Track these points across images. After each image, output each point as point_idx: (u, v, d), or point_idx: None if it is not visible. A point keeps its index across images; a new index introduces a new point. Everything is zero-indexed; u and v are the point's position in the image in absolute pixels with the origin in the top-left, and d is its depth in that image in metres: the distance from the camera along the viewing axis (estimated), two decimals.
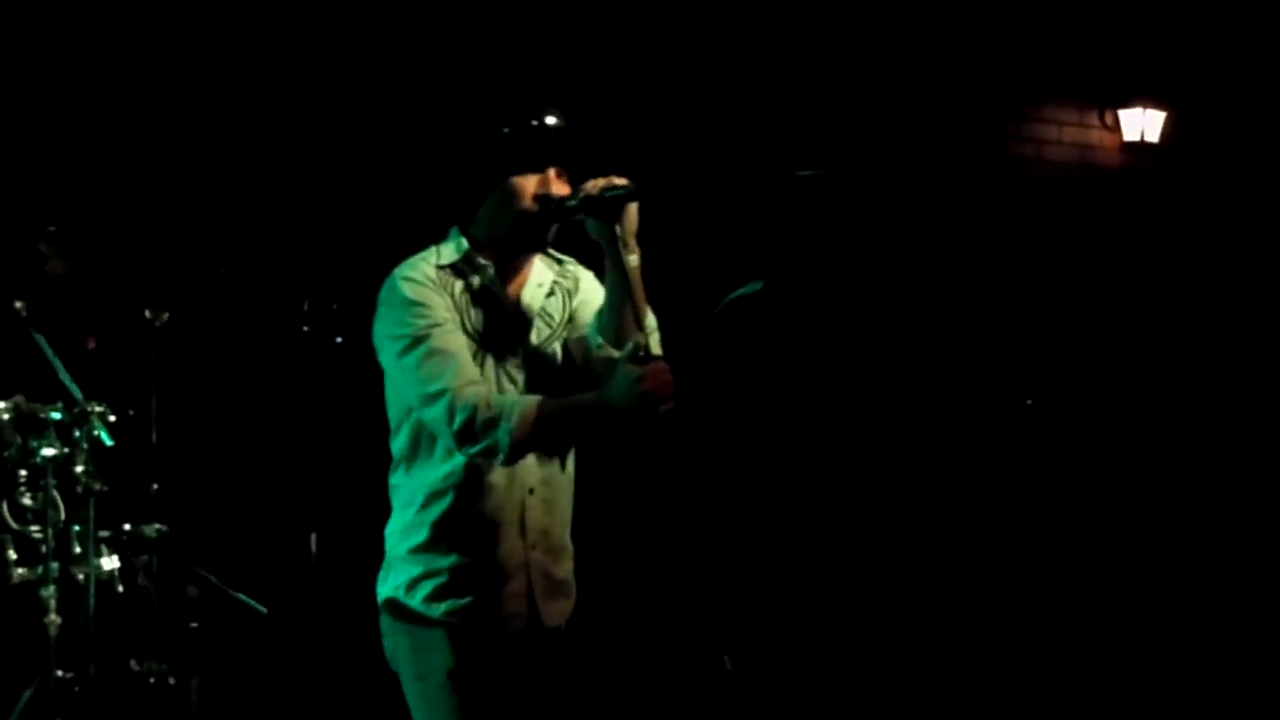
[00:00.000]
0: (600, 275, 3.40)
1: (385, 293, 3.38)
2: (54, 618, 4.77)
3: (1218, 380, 8.16)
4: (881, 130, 7.60)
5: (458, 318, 3.35)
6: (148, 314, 5.41)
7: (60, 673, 4.78)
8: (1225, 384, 8.16)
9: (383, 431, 3.53)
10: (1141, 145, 8.48)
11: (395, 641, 3.45)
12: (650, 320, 3.34)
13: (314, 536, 5.87)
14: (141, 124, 6.24)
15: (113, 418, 4.93)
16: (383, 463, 3.56)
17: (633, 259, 3.30)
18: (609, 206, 3.27)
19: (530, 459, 3.36)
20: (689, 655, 5.91)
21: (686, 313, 3.58)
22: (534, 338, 3.44)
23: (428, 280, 3.35)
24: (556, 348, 3.47)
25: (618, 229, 3.28)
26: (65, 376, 4.98)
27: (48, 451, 4.80)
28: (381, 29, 6.61)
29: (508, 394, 3.33)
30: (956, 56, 7.91)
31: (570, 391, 3.34)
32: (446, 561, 3.36)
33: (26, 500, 4.88)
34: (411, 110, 6.57)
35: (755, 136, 7.16)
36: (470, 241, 3.42)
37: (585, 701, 3.57)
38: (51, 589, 4.77)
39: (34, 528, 4.85)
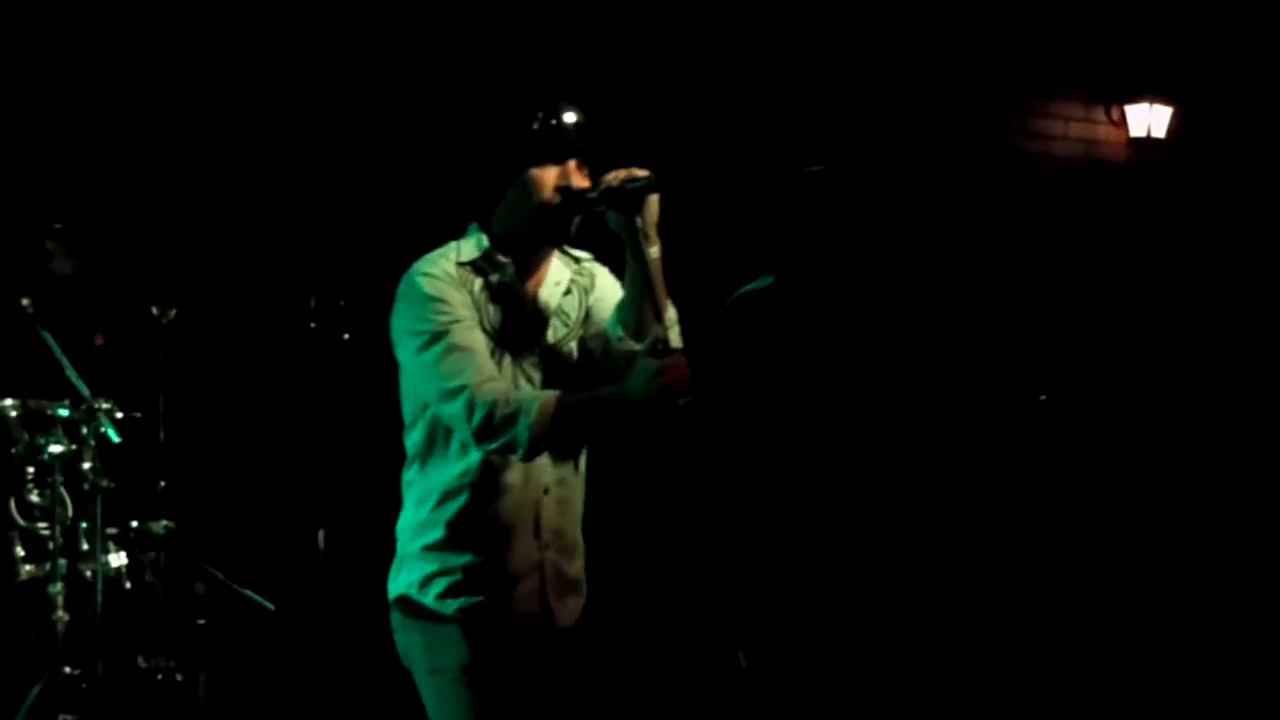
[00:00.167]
0: (619, 269, 3.40)
1: (404, 288, 3.36)
2: (61, 614, 4.77)
3: (1226, 374, 8.15)
4: (888, 126, 7.60)
5: (476, 315, 3.34)
6: (155, 311, 5.40)
7: (68, 669, 4.78)
8: (1233, 378, 8.15)
9: (390, 428, 3.53)
10: (1148, 140, 8.47)
11: (408, 638, 3.44)
12: (671, 313, 3.33)
13: (321, 533, 5.86)
14: (148, 121, 6.24)
15: (120, 415, 4.94)
16: (390, 459, 3.55)
17: (653, 251, 3.29)
18: (630, 198, 3.26)
19: (545, 458, 3.35)
20: (704, 651, 5.91)
21: (697, 308, 3.57)
22: (551, 336, 3.43)
23: (447, 276, 3.34)
24: (573, 346, 3.46)
25: (638, 221, 3.26)
26: (72, 374, 4.98)
27: (55, 449, 4.81)
28: (390, 26, 6.61)
29: (525, 390, 3.32)
30: (963, 52, 7.90)
31: (587, 388, 3.33)
32: (461, 560, 3.35)
33: (34, 497, 4.88)
34: (419, 107, 6.57)
35: (761, 132, 7.15)
36: (490, 238, 3.40)
37: (598, 699, 3.56)
38: (59, 586, 4.77)
39: (41, 525, 4.86)
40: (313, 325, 5.96)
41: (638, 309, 3.31)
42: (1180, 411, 8.02)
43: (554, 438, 3.23)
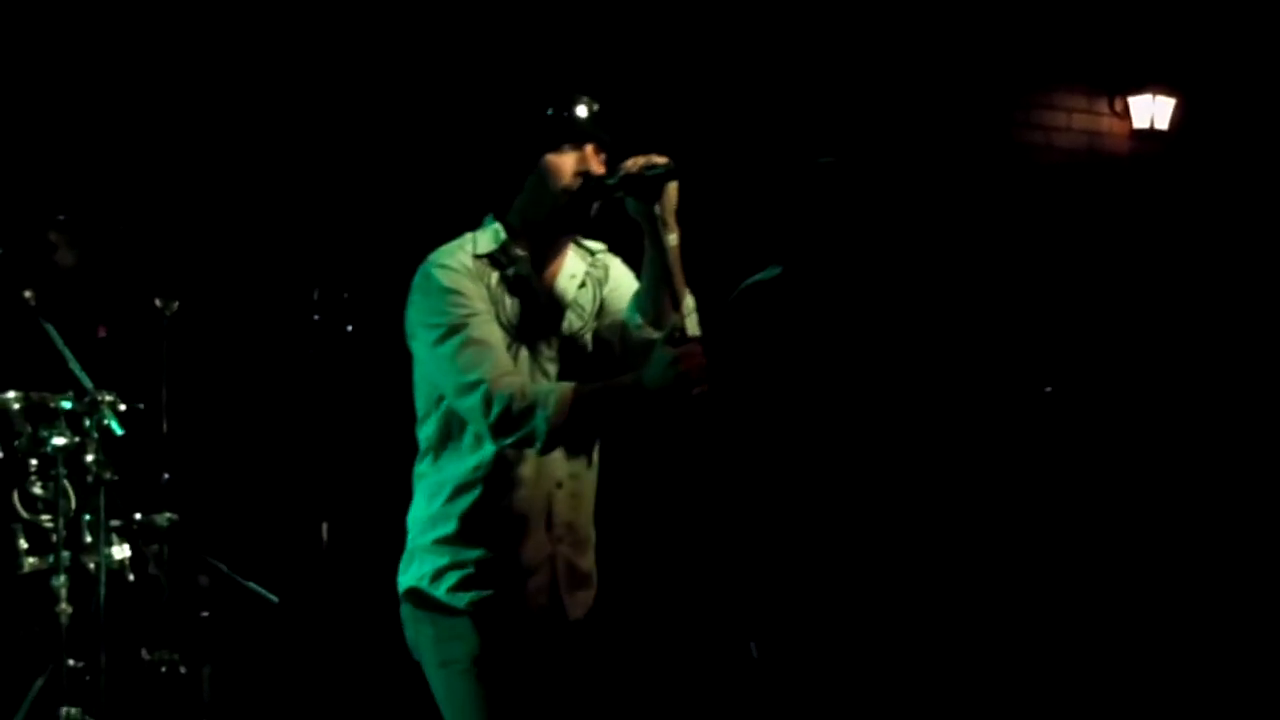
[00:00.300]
0: (631, 260, 3.39)
1: (420, 280, 3.35)
2: (65, 607, 4.76)
3: (1229, 366, 8.14)
4: (891, 119, 7.59)
5: (493, 308, 3.32)
6: (158, 303, 5.40)
7: (71, 662, 4.77)
8: (1236, 370, 8.14)
9: (393, 421, 3.53)
10: (1151, 132, 8.46)
11: (418, 631, 3.43)
12: (689, 301, 3.32)
13: (325, 525, 5.86)
14: (151, 112, 6.23)
15: (123, 407, 4.92)
16: (393, 452, 3.55)
17: (672, 238, 3.28)
18: (649, 185, 3.25)
19: (558, 452, 3.34)
20: (715, 643, 5.91)
21: (709, 298, 3.56)
22: (567, 328, 3.42)
23: (464, 269, 3.32)
24: (588, 339, 3.45)
25: (657, 208, 3.26)
26: (75, 366, 4.97)
27: (58, 441, 4.79)
28: (394, 20, 6.60)
29: (542, 383, 3.31)
30: (966, 44, 7.89)
31: (603, 379, 3.31)
32: (473, 554, 3.35)
33: (37, 489, 4.87)
34: (422, 99, 6.56)
35: (765, 124, 7.14)
36: (506, 230, 3.39)
37: (609, 691, 3.56)
38: (62, 578, 4.76)
39: (45, 517, 4.85)
40: (316, 318, 5.95)
41: (656, 297, 3.30)
42: (1184, 403, 8.01)
43: (572, 429, 3.21)
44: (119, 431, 4.84)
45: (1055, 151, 8.35)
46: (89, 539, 4.87)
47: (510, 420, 3.18)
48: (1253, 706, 5.90)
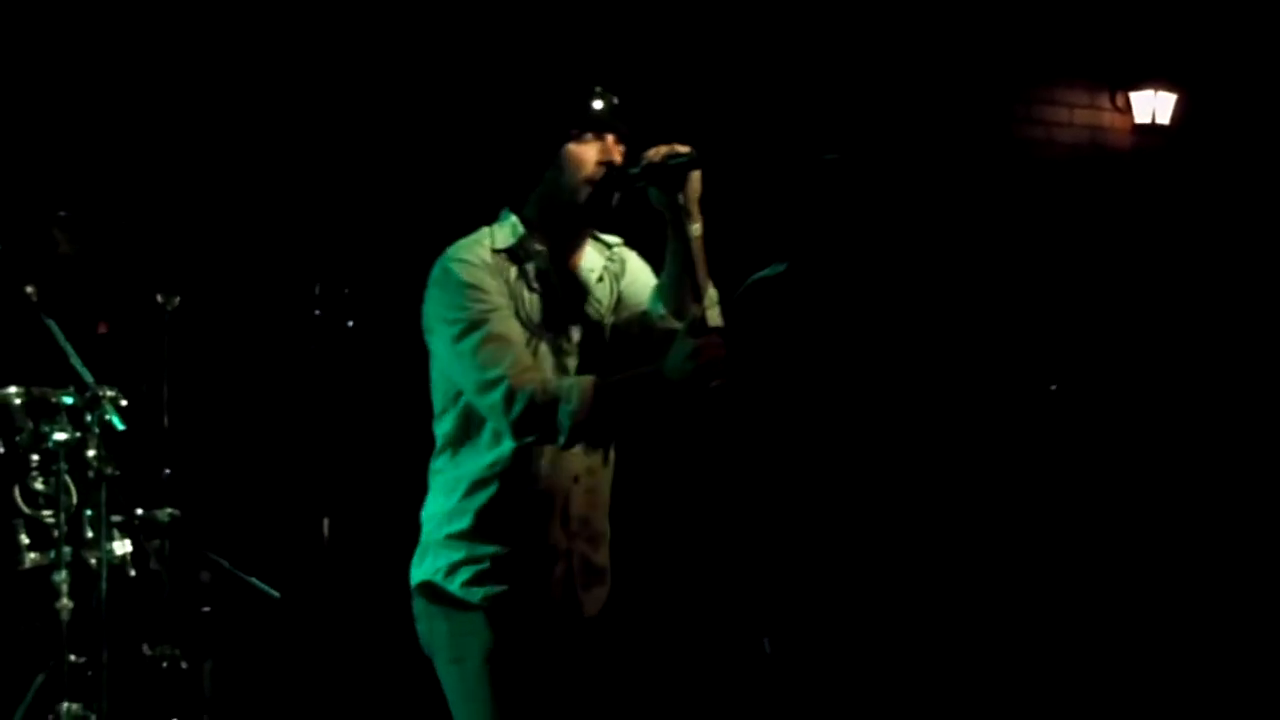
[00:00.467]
0: (645, 253, 3.38)
1: (438, 275, 3.32)
2: (66, 602, 4.75)
3: (1231, 362, 8.14)
4: (892, 113, 7.58)
5: (512, 303, 3.30)
6: (159, 298, 5.39)
7: (72, 657, 4.76)
8: (1239, 366, 8.13)
9: (394, 415, 3.52)
10: (1153, 127, 8.46)
11: (432, 625, 3.42)
12: (711, 293, 3.31)
13: (326, 521, 5.86)
14: (152, 107, 6.23)
15: (124, 402, 4.91)
16: (394, 447, 3.54)
17: (695, 228, 3.27)
18: (672, 174, 3.24)
19: (575, 448, 3.32)
20: (728, 638, 5.91)
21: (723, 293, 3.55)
22: (585, 323, 3.40)
23: (483, 263, 3.30)
24: (606, 332, 3.44)
25: (680, 198, 3.24)
26: (76, 361, 4.95)
27: (59, 436, 4.79)
28: (396, 14, 6.59)
29: (563, 378, 3.28)
30: (967, 38, 7.88)
31: (623, 372, 3.29)
32: (489, 549, 3.33)
33: (38, 485, 4.86)
34: (424, 94, 6.55)
35: (765, 119, 7.13)
36: (524, 224, 3.36)
37: (623, 687, 3.54)
38: (63, 574, 4.75)
39: (46, 512, 4.84)
40: (317, 313, 5.95)
41: (678, 288, 3.30)
42: (1187, 399, 8.00)
43: (595, 422, 3.19)
44: (120, 427, 4.83)
45: (1057, 146, 8.35)
46: (90, 534, 4.86)
47: (532, 418, 3.16)
48: (1255, 706, 5.90)
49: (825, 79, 7.41)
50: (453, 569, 3.36)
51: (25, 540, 4.81)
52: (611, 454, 3.49)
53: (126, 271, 5.70)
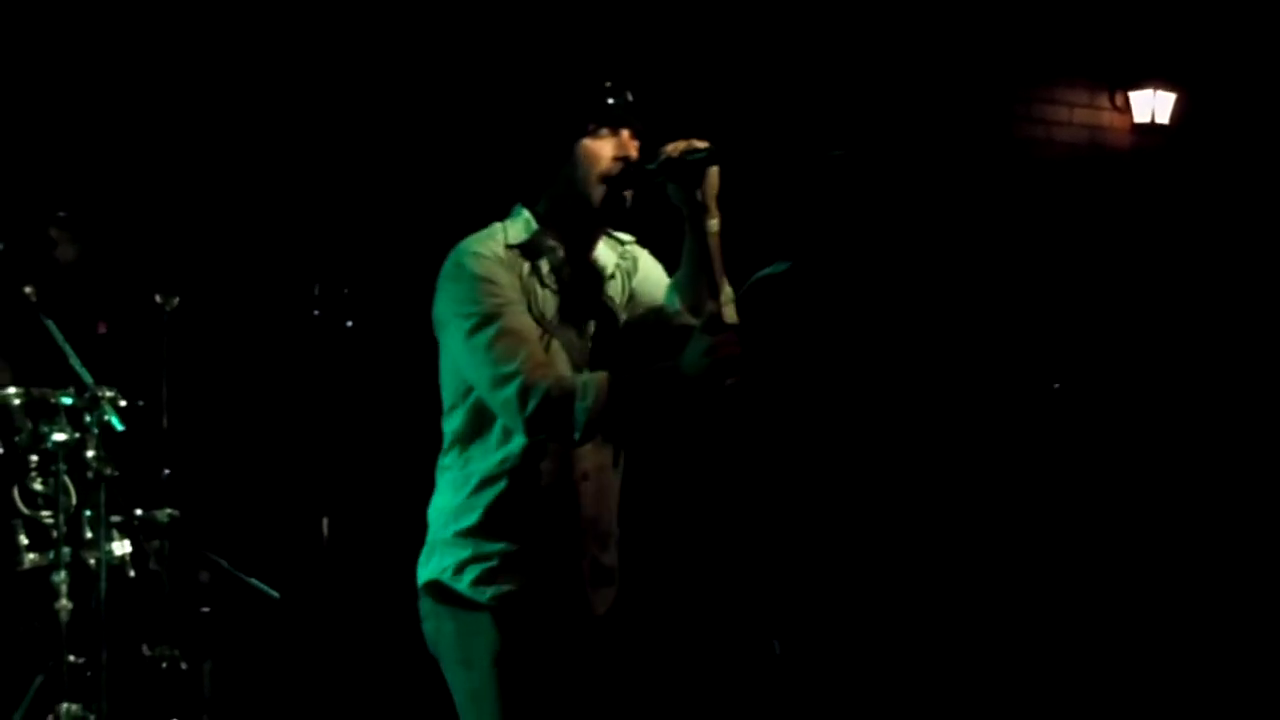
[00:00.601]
0: (656, 250, 3.37)
1: (451, 268, 3.28)
2: (65, 603, 4.75)
3: (1231, 362, 8.14)
4: (891, 113, 7.58)
5: (524, 299, 3.26)
6: (158, 299, 5.39)
7: (72, 658, 4.76)
8: (1238, 365, 8.13)
9: (394, 415, 3.51)
10: (1152, 127, 8.46)
11: (439, 625, 3.39)
12: (727, 290, 3.29)
13: (325, 521, 5.86)
14: (152, 108, 6.23)
15: (123, 403, 4.91)
16: (394, 446, 3.53)
17: (713, 224, 3.25)
18: (691, 170, 3.22)
19: (585, 447, 3.29)
20: (738, 639, 5.91)
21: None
22: (598, 321, 3.38)
23: (496, 258, 3.26)
24: (619, 330, 3.41)
25: (699, 193, 3.23)
26: (76, 362, 4.96)
27: (59, 436, 4.79)
28: (396, 16, 6.58)
29: (578, 374, 3.25)
30: (967, 37, 7.88)
31: (636, 369, 3.26)
32: (497, 546, 3.30)
33: (37, 485, 4.86)
34: (423, 94, 6.55)
35: (764, 118, 7.13)
36: (537, 220, 3.34)
37: (631, 688, 3.53)
38: (63, 574, 4.75)
39: (45, 513, 4.84)
40: (316, 313, 5.95)
41: (695, 284, 3.27)
42: (1187, 397, 8.01)
43: (610, 418, 3.15)
44: (119, 427, 4.83)
45: (1056, 146, 8.35)
46: (89, 535, 4.86)
47: (547, 413, 3.12)
48: (1256, 705, 5.90)
49: (825, 77, 7.41)
50: (460, 567, 3.33)
51: (24, 541, 4.81)
52: (621, 455, 3.45)
53: (125, 272, 5.70)
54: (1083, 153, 8.39)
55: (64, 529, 4.77)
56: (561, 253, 3.34)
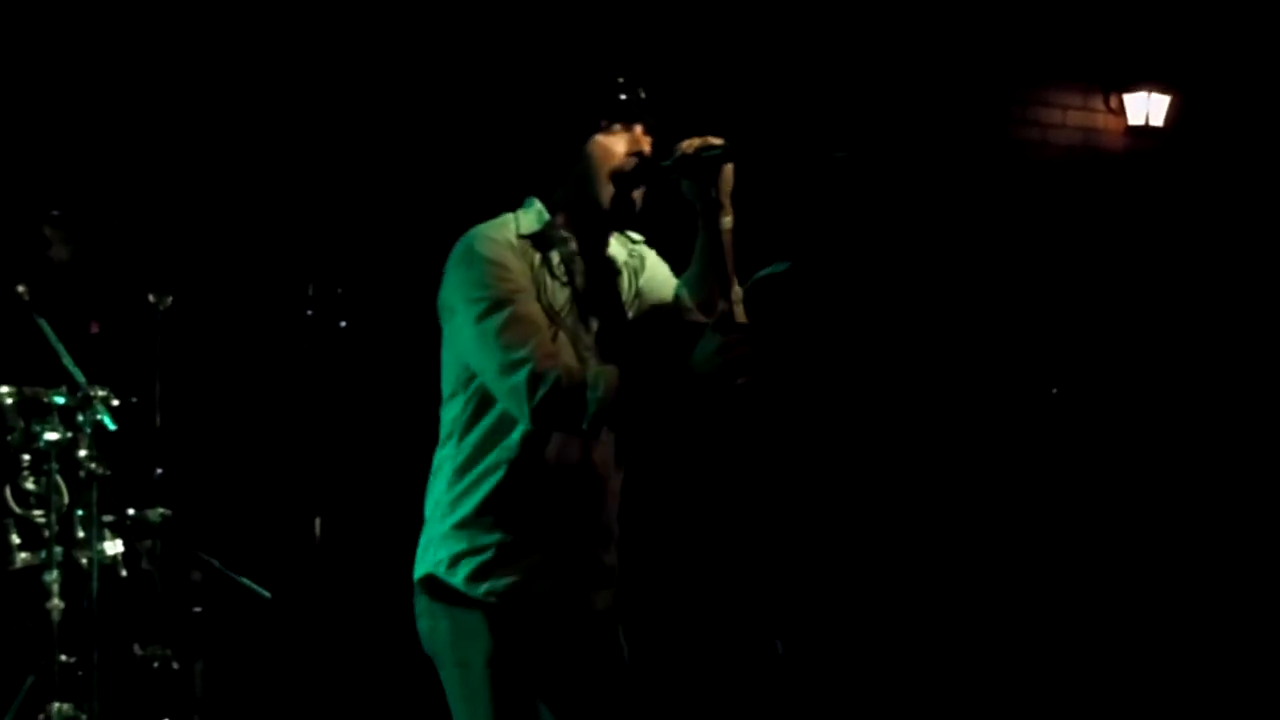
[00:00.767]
0: (661, 249, 3.36)
1: (461, 252, 3.24)
2: (57, 602, 4.75)
3: (1226, 365, 8.14)
4: (886, 114, 7.58)
5: (534, 289, 3.23)
6: (151, 298, 5.38)
7: (63, 657, 4.77)
8: (1234, 369, 8.14)
9: (387, 415, 3.50)
10: (1146, 129, 8.46)
11: (435, 624, 3.34)
12: (737, 289, 3.26)
13: (318, 520, 5.85)
14: (145, 107, 6.22)
15: (116, 402, 4.92)
16: (387, 447, 3.52)
17: (726, 221, 3.24)
18: (705, 166, 3.21)
19: (585, 443, 3.27)
20: (740, 639, 5.90)
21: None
22: (605, 316, 3.36)
23: (508, 244, 3.24)
24: (625, 327, 3.40)
25: (713, 191, 3.21)
26: (68, 361, 4.96)
27: (51, 436, 4.79)
28: (395, 16, 6.58)
29: (590, 365, 3.22)
30: (961, 39, 7.88)
31: (644, 364, 3.25)
32: (492, 538, 3.26)
33: (29, 485, 4.86)
34: (418, 94, 6.55)
35: (762, 119, 7.13)
36: (549, 211, 3.32)
37: (630, 686, 3.50)
38: (54, 574, 4.76)
39: (37, 512, 4.84)
40: (309, 313, 5.94)
41: (707, 282, 3.26)
42: (1183, 400, 8.01)
43: (618, 412, 3.12)
44: (112, 427, 4.84)
45: (1051, 148, 8.35)
46: (81, 534, 4.86)
47: (556, 402, 3.08)
48: (1257, 705, 5.91)
49: (822, 79, 7.41)
50: (455, 561, 3.29)
51: (16, 540, 4.81)
52: (624, 452, 3.42)
53: (119, 271, 5.70)
54: (1077, 155, 8.39)
55: (56, 528, 4.77)
56: (573, 245, 3.32)
